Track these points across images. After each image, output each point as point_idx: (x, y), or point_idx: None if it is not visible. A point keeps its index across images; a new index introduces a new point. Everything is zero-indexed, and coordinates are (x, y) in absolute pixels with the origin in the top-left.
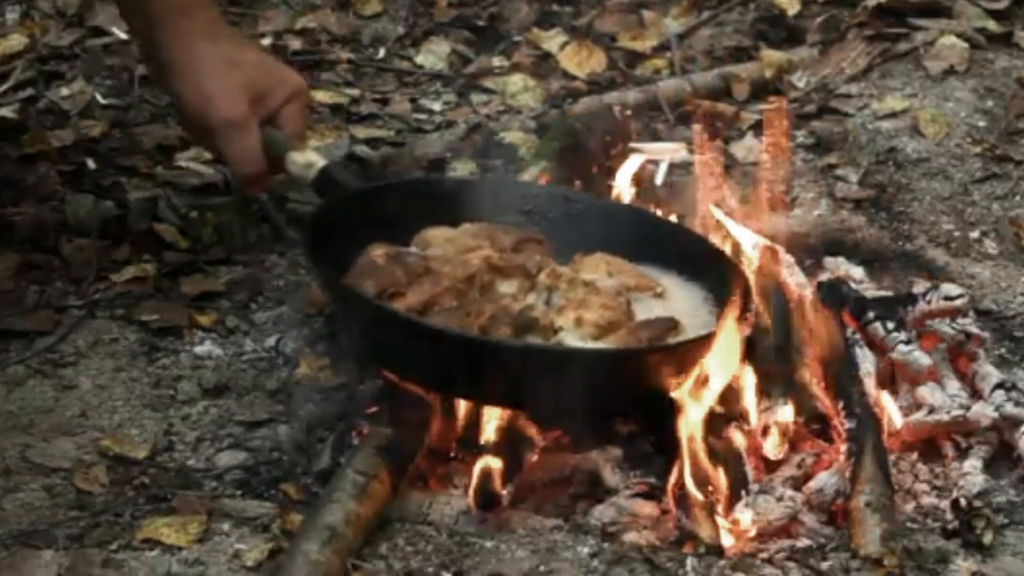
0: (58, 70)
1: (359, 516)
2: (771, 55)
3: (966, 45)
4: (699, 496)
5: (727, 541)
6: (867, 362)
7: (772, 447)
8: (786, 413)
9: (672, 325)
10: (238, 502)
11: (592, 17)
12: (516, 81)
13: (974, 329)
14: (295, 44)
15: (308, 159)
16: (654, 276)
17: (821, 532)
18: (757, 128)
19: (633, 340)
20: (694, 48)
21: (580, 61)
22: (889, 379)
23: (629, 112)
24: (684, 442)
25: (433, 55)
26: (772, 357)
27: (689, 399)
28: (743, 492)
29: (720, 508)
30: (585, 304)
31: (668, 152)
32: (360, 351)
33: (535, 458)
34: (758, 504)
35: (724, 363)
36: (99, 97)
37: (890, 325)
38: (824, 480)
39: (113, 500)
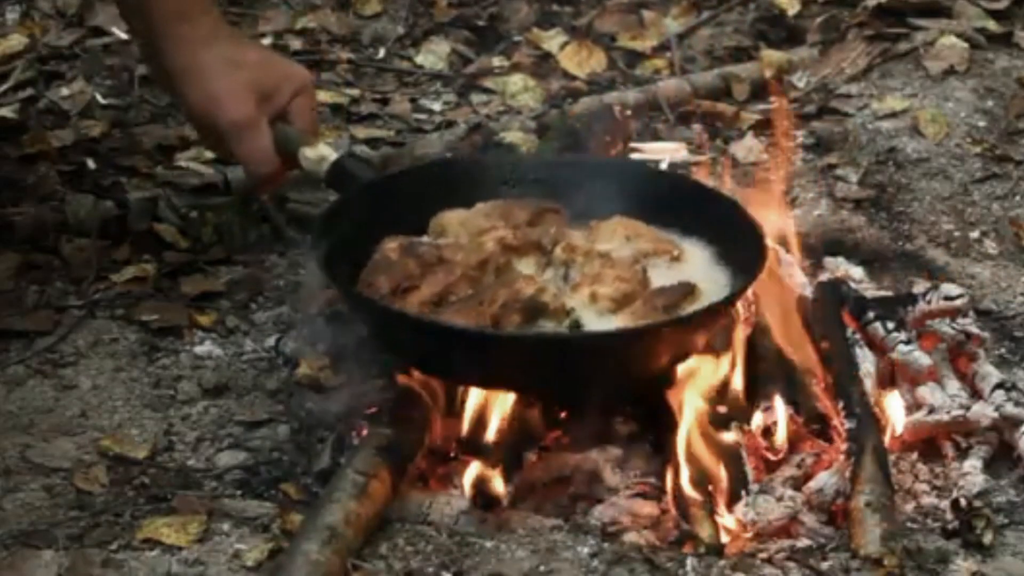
0: (58, 70)
1: (359, 516)
2: (771, 55)
3: (966, 45)
4: (697, 496)
5: (726, 541)
6: (867, 362)
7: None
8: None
9: (688, 291)
10: (238, 502)
11: (592, 17)
12: (516, 81)
13: (974, 329)
14: (295, 44)
15: (320, 153)
16: (670, 238)
17: (821, 532)
18: (757, 128)
19: (649, 309)
20: (694, 48)
21: (580, 61)
22: (889, 379)
23: (629, 112)
24: (682, 441)
25: (433, 55)
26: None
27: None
28: (743, 492)
29: (720, 508)
30: (600, 279)
31: (668, 152)
32: (380, 350)
33: (535, 458)
34: (758, 504)
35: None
36: (99, 97)
37: (890, 325)
38: (824, 480)
39: (113, 500)
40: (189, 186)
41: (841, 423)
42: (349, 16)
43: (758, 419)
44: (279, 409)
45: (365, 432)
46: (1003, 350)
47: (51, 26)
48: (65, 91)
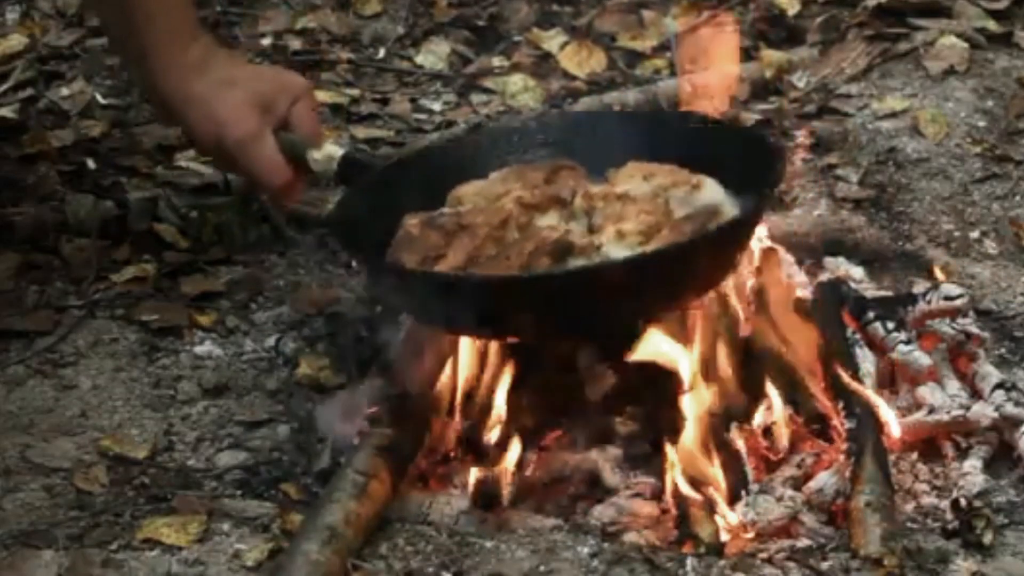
0: (58, 70)
1: (359, 516)
2: (771, 55)
3: (966, 45)
4: (697, 496)
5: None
6: (867, 362)
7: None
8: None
9: (713, 212)
10: (238, 502)
11: (592, 17)
12: (516, 81)
13: (974, 329)
14: (295, 44)
15: (327, 152)
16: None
17: (821, 532)
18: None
19: (677, 236)
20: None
21: (580, 61)
22: (889, 379)
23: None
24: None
25: (433, 55)
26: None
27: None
28: (743, 492)
29: (720, 508)
30: (623, 216)
31: None
32: (423, 322)
33: (535, 458)
34: (758, 504)
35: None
36: (99, 97)
37: (890, 325)
38: (824, 480)
39: (113, 500)
40: (189, 186)
41: (841, 423)
42: (349, 16)
43: (758, 419)
44: (279, 409)
45: (365, 432)
46: (1003, 350)
47: (51, 26)
48: (65, 91)
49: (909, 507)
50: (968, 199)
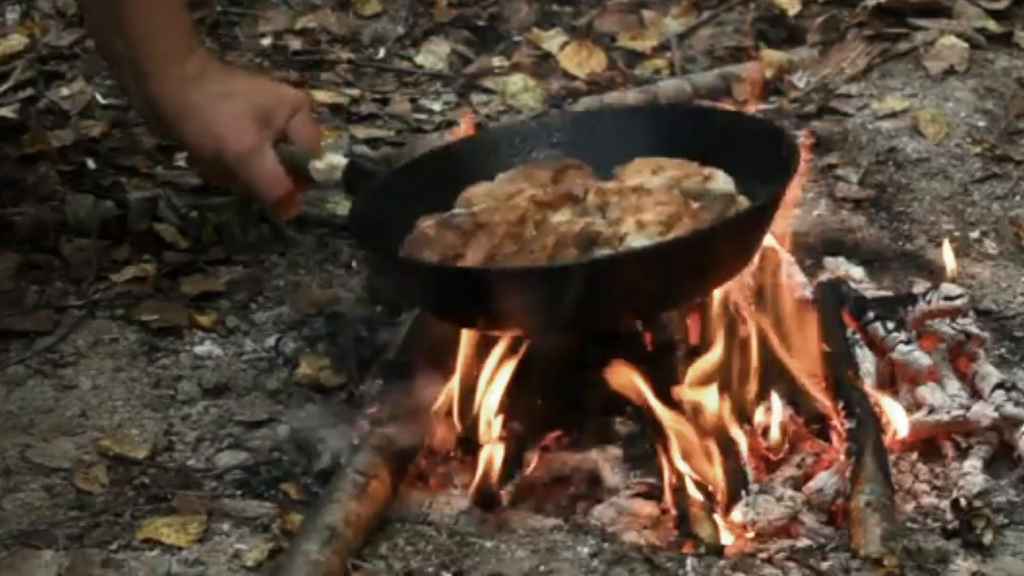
0: (58, 70)
1: (359, 516)
2: (771, 55)
3: (966, 45)
4: (697, 496)
5: (727, 541)
6: (867, 362)
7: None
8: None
9: (730, 200)
10: (238, 502)
11: (592, 17)
12: (516, 81)
13: (974, 329)
14: (295, 44)
15: (329, 162)
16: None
17: (821, 532)
18: None
19: (698, 224)
20: (694, 48)
21: (580, 61)
22: (889, 379)
23: None
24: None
25: (433, 55)
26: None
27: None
28: (743, 492)
29: (719, 508)
30: (641, 207)
31: None
32: (445, 319)
33: (535, 458)
34: (758, 504)
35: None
36: (99, 97)
37: (890, 325)
38: (824, 480)
39: (113, 500)
40: (189, 186)
41: (841, 423)
42: (349, 16)
43: (758, 419)
44: (279, 409)
45: (365, 432)
46: (1003, 350)
47: (51, 26)
48: (65, 91)
49: (909, 507)
50: (968, 199)
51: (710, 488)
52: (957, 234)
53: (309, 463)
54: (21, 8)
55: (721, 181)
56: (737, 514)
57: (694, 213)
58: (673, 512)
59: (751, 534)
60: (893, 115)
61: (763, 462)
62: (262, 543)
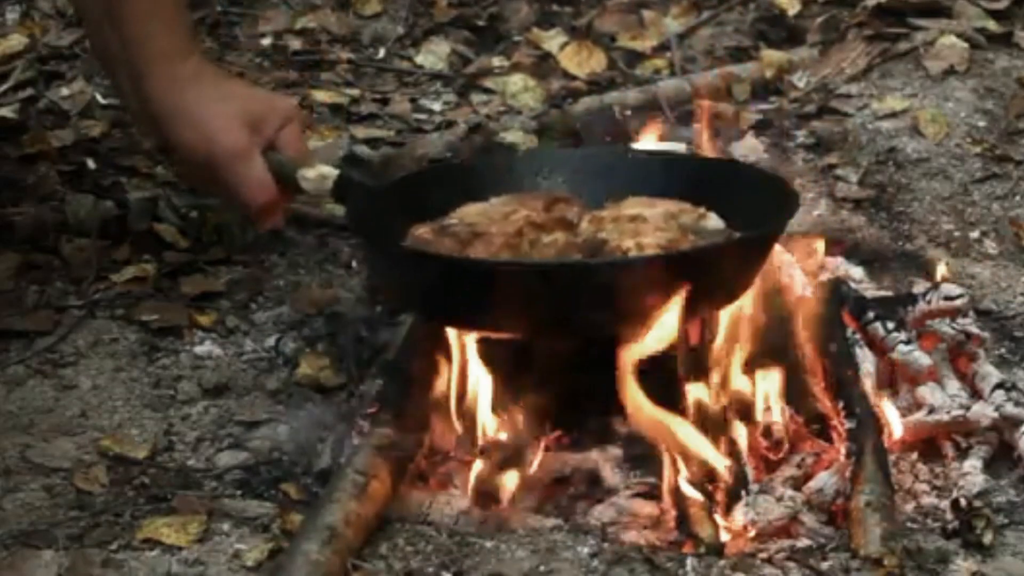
0: (58, 70)
1: (359, 516)
2: (771, 55)
3: (966, 45)
4: (697, 496)
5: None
6: (867, 362)
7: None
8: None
9: (728, 236)
10: (238, 502)
11: (592, 17)
12: (516, 81)
13: (974, 329)
14: (295, 44)
15: (319, 172)
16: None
17: (821, 532)
18: (757, 128)
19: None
20: (694, 48)
21: (580, 61)
22: (889, 379)
23: (629, 112)
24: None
25: (433, 55)
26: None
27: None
28: (743, 492)
29: (719, 508)
30: (640, 232)
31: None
32: (448, 315)
33: (535, 458)
34: (758, 504)
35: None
36: (99, 97)
37: (890, 325)
38: (824, 480)
39: (113, 500)
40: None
41: (841, 423)
42: (349, 16)
43: (758, 419)
44: (279, 409)
45: (365, 432)
46: (1003, 350)
47: (51, 26)
48: (65, 91)
49: (909, 507)
50: (968, 199)
51: (710, 488)
52: (957, 234)
53: (309, 463)
54: (21, 8)
55: (714, 221)
56: (737, 514)
57: (693, 243)
58: (673, 512)
59: (751, 534)
60: (893, 115)
61: (763, 462)
62: (262, 543)
